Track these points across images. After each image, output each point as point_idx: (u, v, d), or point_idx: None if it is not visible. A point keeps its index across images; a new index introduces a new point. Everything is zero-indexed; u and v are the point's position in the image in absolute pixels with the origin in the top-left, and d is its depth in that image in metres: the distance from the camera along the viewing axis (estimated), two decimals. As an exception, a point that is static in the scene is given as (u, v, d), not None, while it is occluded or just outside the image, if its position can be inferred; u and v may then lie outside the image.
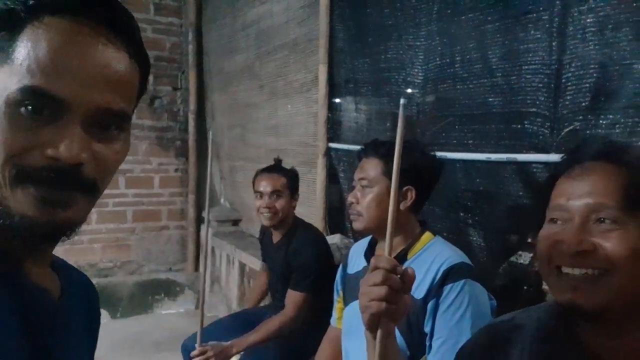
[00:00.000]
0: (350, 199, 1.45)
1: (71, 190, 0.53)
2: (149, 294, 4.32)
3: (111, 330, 3.39)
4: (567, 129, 1.44)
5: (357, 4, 2.36)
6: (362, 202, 1.41)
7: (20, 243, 0.54)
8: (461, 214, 1.83)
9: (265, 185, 2.15)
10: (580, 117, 1.39)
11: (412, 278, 0.87)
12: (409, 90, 2.05)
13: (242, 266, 3.58)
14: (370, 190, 1.40)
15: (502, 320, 0.93)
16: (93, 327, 0.73)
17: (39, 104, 0.50)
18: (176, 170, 4.54)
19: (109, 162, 0.56)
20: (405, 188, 1.39)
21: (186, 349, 2.17)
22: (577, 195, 0.75)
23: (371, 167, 1.41)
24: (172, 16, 4.45)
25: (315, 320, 1.98)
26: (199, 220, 4.53)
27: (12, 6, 0.52)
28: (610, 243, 0.71)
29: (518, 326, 0.87)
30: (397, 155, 0.85)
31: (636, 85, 1.23)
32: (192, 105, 4.46)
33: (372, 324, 0.86)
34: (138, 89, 0.59)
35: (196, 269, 4.57)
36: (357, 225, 1.43)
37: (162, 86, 4.46)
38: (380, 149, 1.42)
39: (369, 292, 0.85)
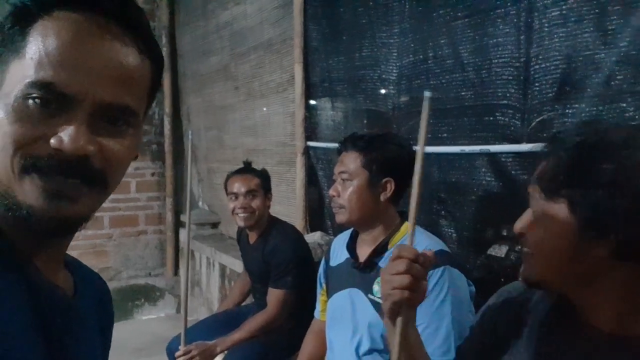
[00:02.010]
0: (331, 192, 1.48)
1: (77, 183, 0.53)
2: (128, 300, 4.27)
3: (91, 338, 3.33)
4: (537, 119, 1.49)
5: (331, 3, 2.39)
6: (344, 195, 1.44)
7: (30, 236, 0.54)
8: (435, 207, 1.87)
9: (239, 186, 2.16)
10: (549, 108, 1.44)
11: (432, 261, 0.87)
12: (386, 90, 2.09)
13: (223, 268, 3.57)
14: (351, 183, 1.43)
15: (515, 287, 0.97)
16: (106, 327, 0.73)
17: (46, 97, 0.51)
18: (153, 174, 4.50)
19: (117, 156, 0.56)
20: (384, 180, 1.43)
21: (171, 350, 2.17)
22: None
23: (351, 161, 1.44)
24: (145, 19, 4.42)
25: (298, 316, 2.00)
26: (178, 224, 4.50)
27: (25, 2, 0.52)
28: (532, 230, 0.81)
29: (528, 296, 0.92)
30: (420, 148, 0.84)
31: (599, 75, 1.29)
32: (168, 108, 4.43)
33: (394, 312, 0.87)
34: (150, 85, 0.59)
35: (176, 273, 4.54)
36: (340, 217, 1.46)
37: (136, 90, 4.42)
38: (358, 142, 1.45)
39: (391, 281, 0.85)
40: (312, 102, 2.63)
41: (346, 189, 1.44)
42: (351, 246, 1.52)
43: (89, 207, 0.56)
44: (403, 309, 0.85)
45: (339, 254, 1.59)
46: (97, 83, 0.52)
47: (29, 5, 0.52)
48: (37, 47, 0.51)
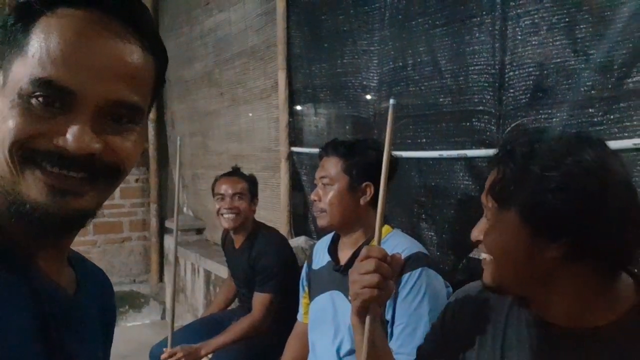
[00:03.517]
0: (313, 197, 1.51)
1: (81, 177, 0.52)
2: (112, 307, 4.25)
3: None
4: (512, 125, 1.54)
5: (313, 11, 2.43)
6: (325, 199, 1.47)
7: (34, 233, 0.53)
8: (416, 210, 1.91)
9: (226, 188, 2.19)
10: (523, 113, 1.49)
11: (400, 263, 0.91)
12: (368, 97, 2.12)
13: (208, 274, 3.57)
14: (332, 187, 1.47)
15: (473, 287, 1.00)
16: (108, 323, 0.72)
17: (49, 95, 0.50)
18: (137, 180, 4.49)
19: (124, 153, 0.55)
20: (364, 184, 1.46)
21: (154, 354, 2.18)
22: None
23: (332, 166, 1.48)
24: (129, 26, 4.41)
25: (282, 319, 2.02)
26: (162, 230, 4.48)
27: None
28: (487, 237, 0.84)
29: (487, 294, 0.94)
30: (386, 152, 0.88)
31: (569, 81, 1.34)
32: (152, 114, 4.42)
33: (362, 310, 0.90)
34: (154, 82, 0.58)
35: (160, 279, 4.52)
36: (322, 222, 1.49)
37: (120, 96, 4.41)
38: (339, 147, 1.48)
39: (361, 280, 0.88)
40: (296, 108, 2.66)
41: (327, 194, 1.47)
42: (332, 249, 1.55)
43: (95, 201, 0.55)
44: (371, 307, 0.89)
45: (321, 257, 1.62)
46: (101, 81, 0.51)
47: (32, 2, 0.52)
48: (40, 44, 0.50)
